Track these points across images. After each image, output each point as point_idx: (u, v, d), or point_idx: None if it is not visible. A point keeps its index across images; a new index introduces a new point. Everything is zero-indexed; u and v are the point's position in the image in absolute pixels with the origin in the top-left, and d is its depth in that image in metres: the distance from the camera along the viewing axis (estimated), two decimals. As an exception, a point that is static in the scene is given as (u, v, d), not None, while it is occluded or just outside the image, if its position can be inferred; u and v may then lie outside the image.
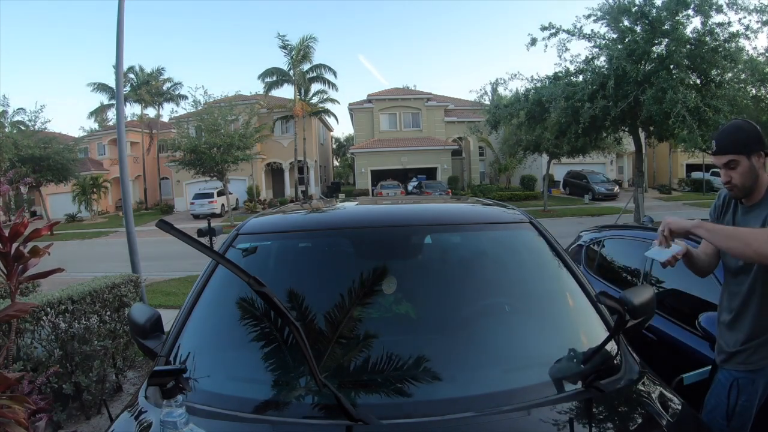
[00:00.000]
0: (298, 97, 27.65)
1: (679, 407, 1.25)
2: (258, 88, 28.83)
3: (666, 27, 12.15)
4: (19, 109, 23.56)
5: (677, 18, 12.03)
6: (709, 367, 1.77)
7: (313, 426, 1.11)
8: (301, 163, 28.63)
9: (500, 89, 19.81)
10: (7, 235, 1.73)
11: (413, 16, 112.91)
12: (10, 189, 1.90)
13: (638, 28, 12.59)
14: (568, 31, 13.62)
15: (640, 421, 1.18)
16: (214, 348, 1.46)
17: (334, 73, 28.37)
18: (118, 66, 5.02)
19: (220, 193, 23.78)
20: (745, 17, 11.88)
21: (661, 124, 12.45)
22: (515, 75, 22.48)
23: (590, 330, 1.46)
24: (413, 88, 32.72)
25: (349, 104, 31.66)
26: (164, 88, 32.37)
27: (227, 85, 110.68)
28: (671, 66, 12.08)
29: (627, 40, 12.40)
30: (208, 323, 1.54)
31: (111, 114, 31.50)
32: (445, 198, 3.05)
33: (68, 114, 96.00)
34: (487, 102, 20.95)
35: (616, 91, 12.22)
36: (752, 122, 1.58)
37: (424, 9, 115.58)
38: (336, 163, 49.72)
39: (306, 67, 27.50)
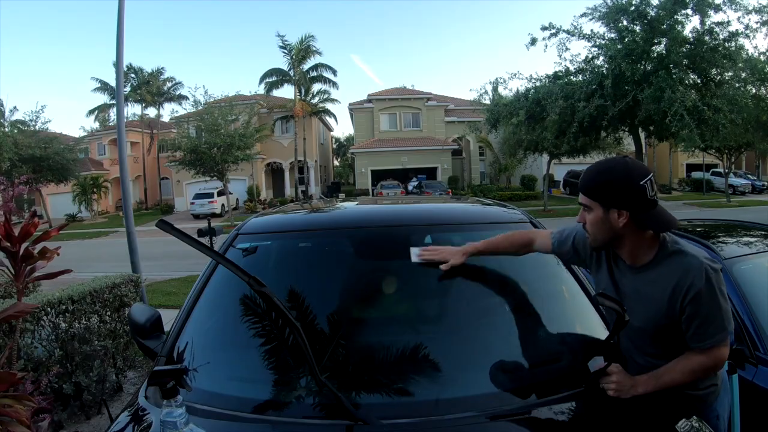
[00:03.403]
0: (298, 97, 27.65)
1: (681, 405, 1.25)
2: (258, 88, 28.81)
3: (664, 27, 12.15)
4: (13, 108, 23.49)
5: (675, 17, 12.02)
6: None
7: (314, 426, 1.12)
8: (301, 163, 28.62)
9: (500, 89, 19.81)
10: (17, 235, 1.73)
11: (407, 15, 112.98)
12: (24, 190, 1.90)
13: (637, 28, 12.60)
14: (567, 32, 13.63)
15: (641, 420, 1.18)
16: (214, 348, 1.46)
17: (334, 72, 28.42)
18: (118, 66, 5.01)
19: (220, 193, 23.77)
20: (744, 16, 11.88)
21: (659, 123, 12.46)
22: (515, 74, 22.53)
23: (590, 330, 1.46)
24: (413, 88, 32.72)
25: (350, 104, 31.66)
26: (165, 88, 32.38)
27: (227, 85, 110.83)
28: (670, 65, 12.08)
29: (626, 40, 12.40)
30: (208, 323, 1.54)
31: (112, 114, 31.55)
32: (445, 198, 3.05)
33: (69, 114, 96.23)
34: (487, 101, 20.95)
35: (614, 90, 12.22)
36: (634, 169, 1.20)
37: (419, 8, 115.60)
38: (336, 163, 49.72)
39: (306, 66, 27.53)
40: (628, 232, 1.23)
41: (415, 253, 1.54)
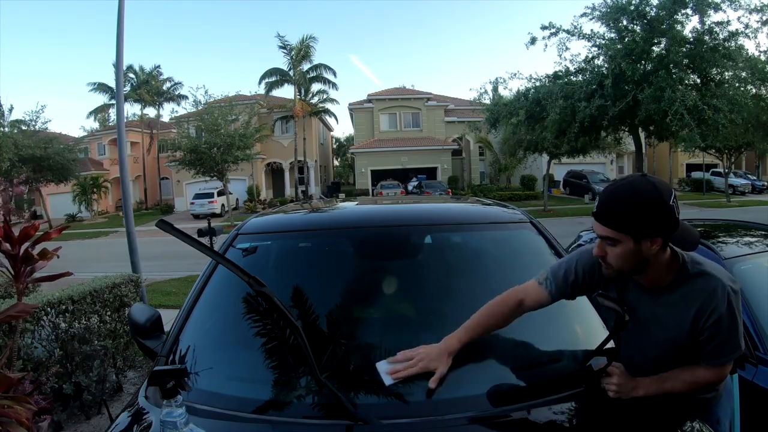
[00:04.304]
0: (298, 97, 27.65)
1: (683, 407, 1.25)
2: (258, 88, 28.82)
3: (664, 26, 12.15)
4: (11, 107, 23.57)
5: (675, 17, 12.02)
6: None
7: (313, 426, 1.11)
8: (301, 163, 28.63)
9: (500, 89, 19.83)
10: (16, 236, 1.73)
11: (407, 15, 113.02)
12: (24, 191, 1.92)
13: (637, 28, 12.60)
14: (567, 31, 13.63)
15: (641, 421, 1.18)
16: (214, 348, 1.46)
17: (334, 73, 28.47)
18: (118, 66, 5.02)
19: (220, 193, 23.78)
20: (744, 15, 11.88)
21: (659, 123, 12.46)
22: (515, 74, 22.50)
23: (590, 330, 1.46)
24: (413, 88, 32.74)
25: (349, 104, 31.68)
26: (164, 87, 32.40)
27: (227, 85, 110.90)
28: (670, 65, 12.07)
29: (626, 39, 12.41)
30: (208, 323, 1.54)
31: (111, 114, 31.57)
32: (445, 198, 3.06)
33: (69, 114, 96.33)
34: (487, 101, 20.95)
35: (614, 90, 12.22)
36: (663, 189, 1.07)
37: (419, 8, 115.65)
38: (336, 163, 49.71)
39: (306, 66, 27.55)
40: (653, 257, 1.13)
41: (384, 371, 1.17)
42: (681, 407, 1.23)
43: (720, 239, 2.59)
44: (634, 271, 1.17)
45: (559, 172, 28.24)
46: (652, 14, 12.30)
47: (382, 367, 1.19)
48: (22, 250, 1.77)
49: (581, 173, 26.58)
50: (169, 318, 2.04)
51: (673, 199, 1.09)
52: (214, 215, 20.86)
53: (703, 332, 1.16)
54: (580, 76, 13.91)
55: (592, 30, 13.53)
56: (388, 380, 1.16)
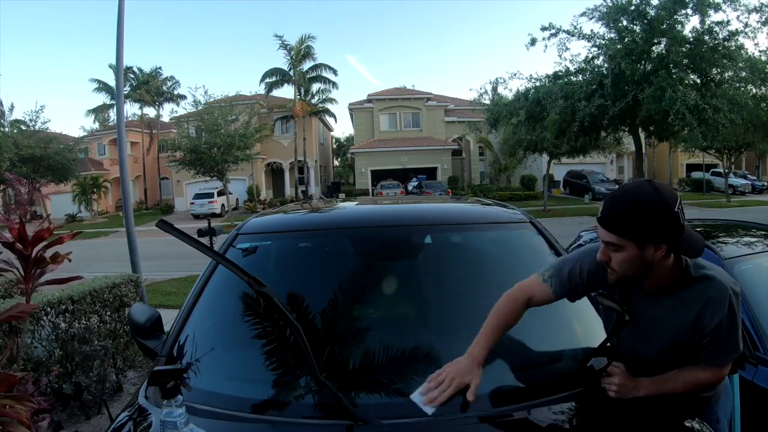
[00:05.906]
0: (298, 97, 27.66)
1: (683, 406, 1.25)
2: (259, 88, 28.84)
3: (664, 26, 12.16)
4: (11, 106, 23.61)
5: (675, 17, 12.03)
6: None
7: (313, 426, 1.12)
8: (301, 163, 28.62)
9: (500, 89, 19.84)
10: (30, 239, 1.73)
11: (406, 15, 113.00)
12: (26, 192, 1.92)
13: (637, 28, 12.60)
14: (567, 32, 13.64)
15: (641, 421, 1.18)
16: (214, 348, 1.46)
17: (335, 72, 28.48)
18: (118, 66, 5.01)
19: (220, 193, 23.78)
20: (744, 14, 11.89)
21: (660, 123, 12.45)
22: (515, 74, 22.52)
23: (590, 330, 1.46)
24: (413, 88, 32.74)
25: (350, 104, 31.68)
26: (164, 88, 32.41)
27: (227, 85, 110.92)
28: (670, 65, 12.08)
29: (626, 39, 12.41)
30: (208, 323, 1.54)
31: (111, 114, 31.61)
32: (445, 198, 3.06)
33: (69, 114, 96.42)
34: (487, 101, 20.95)
35: (614, 90, 12.22)
36: (668, 195, 1.05)
37: (419, 8, 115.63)
38: (336, 163, 49.70)
39: (306, 66, 27.57)
40: (657, 262, 1.12)
41: (421, 402, 1.12)
42: (680, 406, 1.23)
43: (720, 239, 2.59)
44: (638, 276, 1.16)
45: (559, 172, 28.24)
46: (652, 14, 12.30)
47: (417, 398, 1.14)
48: (34, 253, 1.77)
49: (581, 173, 26.58)
50: (169, 318, 2.04)
51: (679, 205, 1.06)
52: (214, 215, 20.84)
53: (705, 336, 1.16)
54: (580, 76, 13.92)
55: (592, 30, 13.55)
56: (429, 410, 1.11)
